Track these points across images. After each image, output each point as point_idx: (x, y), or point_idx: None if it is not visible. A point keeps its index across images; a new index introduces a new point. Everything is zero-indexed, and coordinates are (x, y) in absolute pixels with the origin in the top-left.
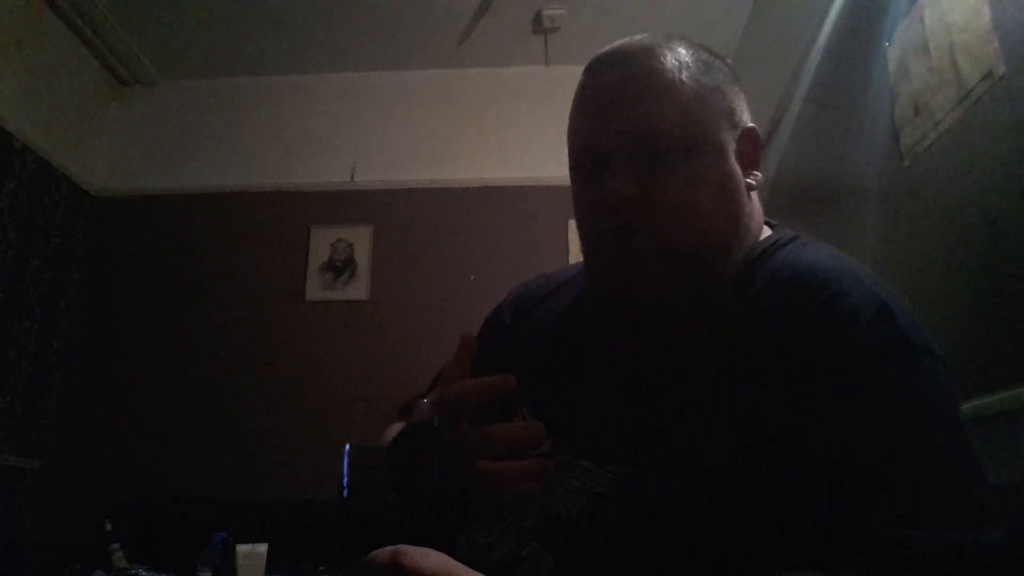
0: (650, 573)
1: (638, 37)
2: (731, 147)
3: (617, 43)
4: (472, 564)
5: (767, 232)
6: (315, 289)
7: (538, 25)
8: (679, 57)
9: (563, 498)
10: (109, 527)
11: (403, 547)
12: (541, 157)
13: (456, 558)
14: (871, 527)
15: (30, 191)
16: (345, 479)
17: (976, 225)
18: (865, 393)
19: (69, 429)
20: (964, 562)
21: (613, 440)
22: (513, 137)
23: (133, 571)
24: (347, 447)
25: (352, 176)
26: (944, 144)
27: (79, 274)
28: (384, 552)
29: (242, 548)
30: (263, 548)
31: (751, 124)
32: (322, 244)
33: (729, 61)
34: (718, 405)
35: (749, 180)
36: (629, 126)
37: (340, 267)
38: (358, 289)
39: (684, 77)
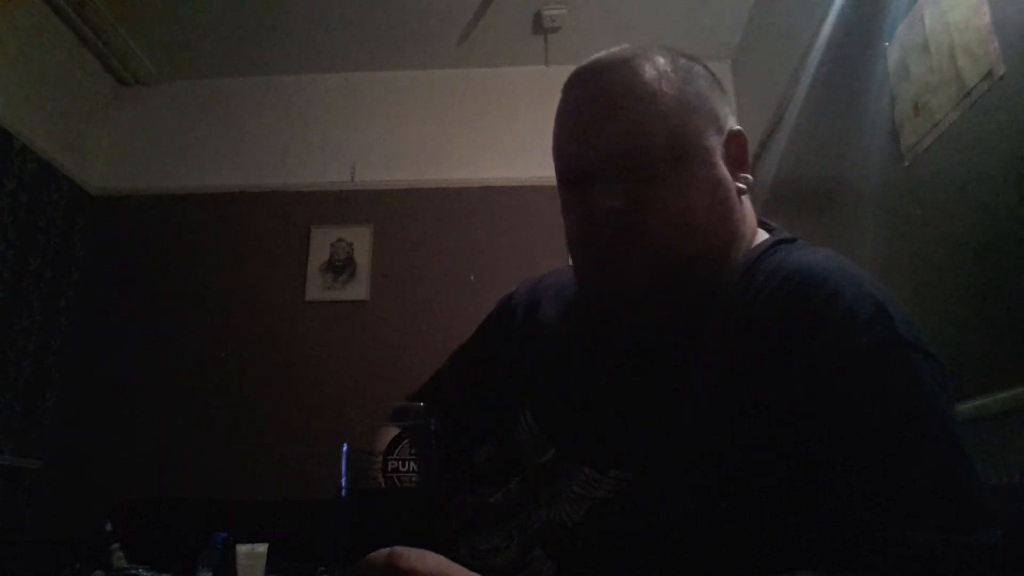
0: None
1: (615, 49)
2: (719, 152)
3: (594, 56)
4: (474, 570)
5: (763, 234)
6: (315, 289)
7: (538, 25)
8: (658, 67)
9: (566, 505)
10: (109, 527)
11: (399, 548)
12: (541, 157)
13: (458, 563)
14: (871, 528)
15: (30, 191)
16: (343, 479)
17: (976, 225)
18: (863, 393)
19: (69, 429)
20: (964, 563)
21: (615, 446)
22: (513, 137)
23: (133, 571)
24: (344, 448)
25: (352, 176)
26: (944, 144)
27: (79, 274)
28: (381, 554)
29: (242, 548)
30: (263, 548)
31: (737, 127)
32: (322, 244)
33: (709, 65)
34: (718, 409)
35: (739, 184)
36: (612, 144)
37: (340, 267)
38: (358, 289)
39: (664, 87)
